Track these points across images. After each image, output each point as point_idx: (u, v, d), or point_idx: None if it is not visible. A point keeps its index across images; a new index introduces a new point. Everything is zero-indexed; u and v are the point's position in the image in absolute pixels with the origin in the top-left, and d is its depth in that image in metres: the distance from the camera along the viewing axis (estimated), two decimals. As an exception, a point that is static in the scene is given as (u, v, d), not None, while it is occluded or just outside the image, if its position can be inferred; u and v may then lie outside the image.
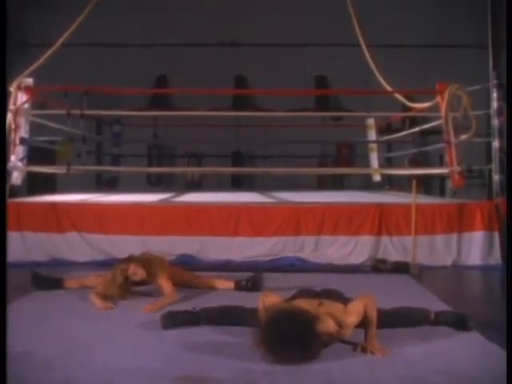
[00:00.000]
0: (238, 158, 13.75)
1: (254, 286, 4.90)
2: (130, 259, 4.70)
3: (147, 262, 4.69)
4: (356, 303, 3.44)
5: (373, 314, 3.39)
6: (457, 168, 6.82)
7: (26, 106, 6.98)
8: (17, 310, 4.17)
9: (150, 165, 13.59)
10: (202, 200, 7.54)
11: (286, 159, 11.74)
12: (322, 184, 13.33)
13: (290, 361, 3.06)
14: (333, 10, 11.51)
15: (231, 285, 4.97)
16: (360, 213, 6.54)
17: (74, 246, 6.47)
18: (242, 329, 3.73)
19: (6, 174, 6.44)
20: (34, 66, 7.72)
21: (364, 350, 3.31)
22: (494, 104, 7.13)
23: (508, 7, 5.52)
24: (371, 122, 10.45)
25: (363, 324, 3.41)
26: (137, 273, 4.60)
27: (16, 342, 3.28)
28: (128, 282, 4.62)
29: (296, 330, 3.06)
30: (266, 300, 3.63)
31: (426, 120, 8.58)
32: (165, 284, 4.58)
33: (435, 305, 4.53)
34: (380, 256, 6.39)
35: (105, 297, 4.48)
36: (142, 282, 4.79)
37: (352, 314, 3.37)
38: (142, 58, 13.70)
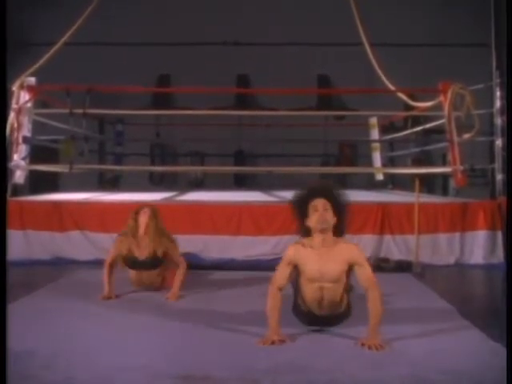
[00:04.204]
0: (240, 157, 13.74)
1: None
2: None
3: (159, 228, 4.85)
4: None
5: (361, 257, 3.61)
6: (460, 167, 6.80)
7: (29, 104, 6.98)
8: (18, 309, 4.17)
9: (152, 164, 13.59)
10: (205, 199, 7.53)
11: (289, 158, 11.73)
12: (325, 183, 13.28)
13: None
14: (335, 9, 11.50)
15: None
16: (362, 212, 6.52)
17: (77, 244, 6.48)
18: (244, 327, 3.73)
19: (7, 172, 6.43)
20: (37, 64, 7.72)
21: (363, 345, 3.33)
22: (497, 103, 7.12)
23: (508, 7, 5.52)
24: (374, 121, 10.42)
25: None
26: (146, 218, 4.75)
27: (17, 340, 3.28)
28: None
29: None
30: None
31: (429, 119, 8.57)
32: (178, 258, 4.78)
33: (438, 303, 4.53)
34: (382, 255, 6.38)
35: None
36: (149, 284, 4.89)
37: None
38: (144, 57, 13.69)
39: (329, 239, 3.59)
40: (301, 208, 3.63)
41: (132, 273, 4.89)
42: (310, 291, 3.61)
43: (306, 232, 3.65)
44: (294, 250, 3.63)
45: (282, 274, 3.60)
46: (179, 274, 4.71)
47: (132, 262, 4.77)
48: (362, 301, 3.57)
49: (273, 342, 3.37)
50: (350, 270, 3.60)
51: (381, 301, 3.47)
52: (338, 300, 3.63)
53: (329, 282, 3.56)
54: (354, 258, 3.57)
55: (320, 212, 3.53)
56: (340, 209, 3.63)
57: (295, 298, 3.78)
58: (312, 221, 3.56)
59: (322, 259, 3.55)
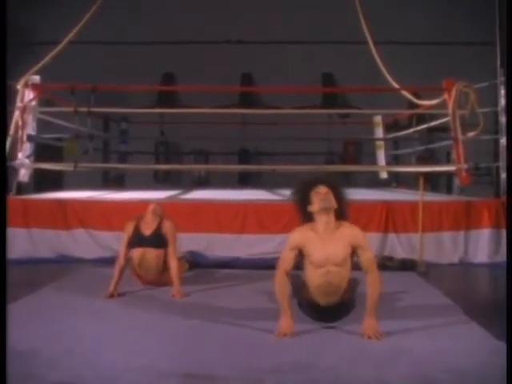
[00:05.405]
0: (244, 156, 13.72)
1: None
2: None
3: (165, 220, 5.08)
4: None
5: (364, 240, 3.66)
6: (464, 165, 6.79)
7: (34, 103, 6.99)
8: (22, 307, 4.18)
9: (156, 162, 13.59)
10: (209, 197, 7.54)
11: (293, 157, 11.71)
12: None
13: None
14: (339, 8, 11.48)
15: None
16: (367, 210, 6.51)
17: (81, 242, 6.48)
18: (248, 326, 3.73)
19: (7, 172, 6.42)
20: (41, 63, 7.73)
21: (362, 335, 3.42)
22: (502, 101, 7.11)
23: (508, 5, 5.51)
24: (378, 119, 10.41)
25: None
26: (153, 203, 5.14)
27: (21, 339, 3.29)
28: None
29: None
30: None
31: (433, 117, 8.55)
32: (173, 248, 4.92)
33: (442, 302, 4.53)
34: (387, 253, 6.37)
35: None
36: (151, 281, 4.99)
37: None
38: (148, 55, 13.69)
39: (331, 222, 3.67)
40: (303, 195, 3.76)
41: (136, 255, 4.96)
42: (316, 277, 3.65)
43: (308, 219, 3.75)
44: (299, 233, 3.72)
45: (287, 258, 3.66)
46: (174, 271, 4.82)
47: (138, 239, 4.94)
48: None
49: (285, 335, 3.44)
50: (354, 252, 3.66)
51: (380, 282, 3.56)
52: (343, 286, 3.68)
53: (335, 266, 3.62)
54: (357, 240, 3.65)
55: (323, 194, 3.65)
56: (341, 195, 3.78)
57: (299, 292, 3.81)
58: (315, 203, 3.66)
59: (326, 243, 3.62)
